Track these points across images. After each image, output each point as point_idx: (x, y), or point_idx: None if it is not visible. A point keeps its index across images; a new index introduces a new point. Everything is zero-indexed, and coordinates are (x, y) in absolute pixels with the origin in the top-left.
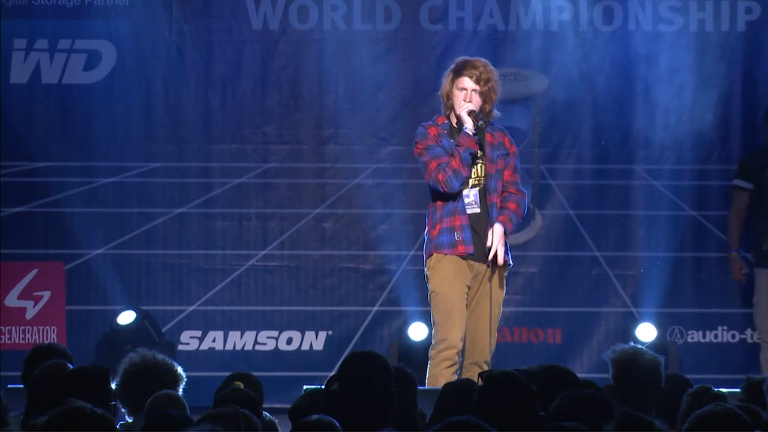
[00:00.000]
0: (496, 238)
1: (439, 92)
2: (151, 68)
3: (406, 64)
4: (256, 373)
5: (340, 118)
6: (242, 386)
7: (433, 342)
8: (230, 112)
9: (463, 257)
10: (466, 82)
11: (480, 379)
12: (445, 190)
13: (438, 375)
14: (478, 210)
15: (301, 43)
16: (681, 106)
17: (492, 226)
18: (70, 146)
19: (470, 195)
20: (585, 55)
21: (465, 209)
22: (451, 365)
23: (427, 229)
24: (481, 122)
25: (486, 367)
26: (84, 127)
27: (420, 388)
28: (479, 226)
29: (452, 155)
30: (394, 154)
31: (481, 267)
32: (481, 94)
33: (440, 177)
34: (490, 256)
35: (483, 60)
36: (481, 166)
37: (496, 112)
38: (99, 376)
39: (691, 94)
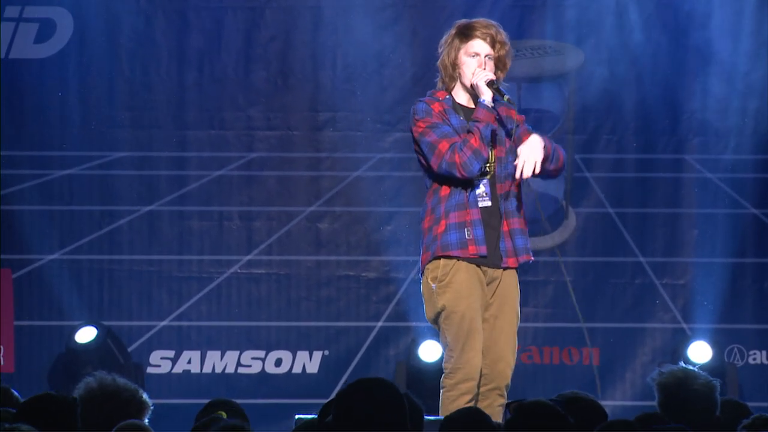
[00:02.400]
0: (528, 148)
1: (438, 63)
2: (114, 40)
3: (417, 36)
4: (239, 401)
5: (337, 100)
6: (225, 416)
7: (446, 370)
8: (208, 92)
9: (475, 262)
10: (479, 45)
11: (509, 410)
12: (463, 174)
13: None
14: (489, 203)
15: (292, 10)
16: (742, 84)
17: (504, 221)
18: (19, 132)
19: (480, 185)
20: (627, 24)
21: (477, 201)
22: (471, 400)
23: (426, 225)
24: (507, 97)
25: (506, 393)
26: (35, 110)
27: (430, 418)
28: (491, 223)
29: (469, 131)
30: (401, 142)
31: (495, 272)
32: (497, 59)
33: (457, 159)
34: (518, 172)
35: (492, 21)
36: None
37: (503, 83)
38: (64, 407)
39: (754, 68)
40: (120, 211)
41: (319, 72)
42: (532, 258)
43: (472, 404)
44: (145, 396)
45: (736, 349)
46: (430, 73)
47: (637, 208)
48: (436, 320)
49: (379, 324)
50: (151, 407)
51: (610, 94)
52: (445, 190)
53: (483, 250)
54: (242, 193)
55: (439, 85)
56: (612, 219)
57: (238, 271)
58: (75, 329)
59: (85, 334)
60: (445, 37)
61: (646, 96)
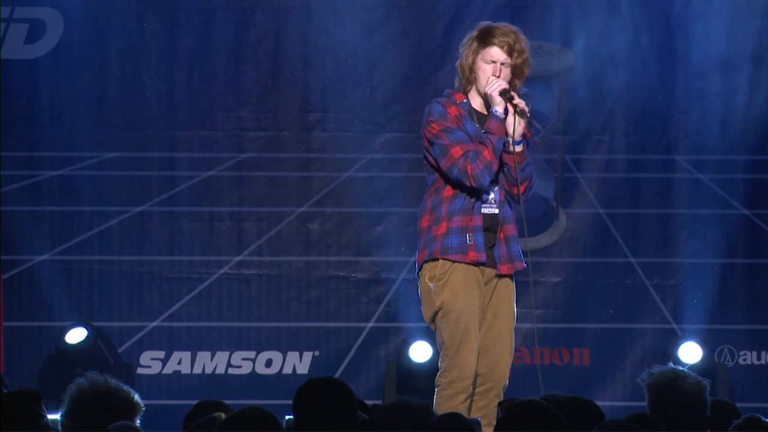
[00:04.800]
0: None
1: (456, 64)
2: (105, 41)
3: (407, 36)
4: (229, 402)
5: (328, 101)
6: (223, 416)
7: (441, 368)
8: (199, 92)
9: (474, 264)
10: (496, 52)
11: (501, 408)
12: (473, 185)
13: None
14: (496, 210)
15: (282, 11)
16: (732, 85)
17: (501, 227)
18: (9, 133)
19: (491, 192)
20: (618, 24)
21: (481, 208)
22: (466, 399)
23: (425, 223)
24: (519, 108)
25: (503, 393)
26: (26, 110)
27: None
28: (491, 228)
29: (482, 143)
30: (391, 143)
31: (492, 272)
32: (513, 67)
33: (469, 169)
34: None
35: (513, 26)
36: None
37: (522, 89)
38: (28, 400)
39: (744, 69)
40: (110, 211)
41: (309, 73)
42: (524, 265)
43: (467, 404)
44: (137, 397)
45: (726, 350)
46: (420, 74)
47: (628, 208)
48: (433, 319)
49: (370, 324)
50: (143, 408)
51: (601, 94)
52: (448, 191)
53: (483, 257)
54: (232, 193)
55: (457, 85)
56: (602, 219)
57: (229, 271)
58: (65, 330)
59: (75, 335)
60: (466, 39)
61: (637, 96)
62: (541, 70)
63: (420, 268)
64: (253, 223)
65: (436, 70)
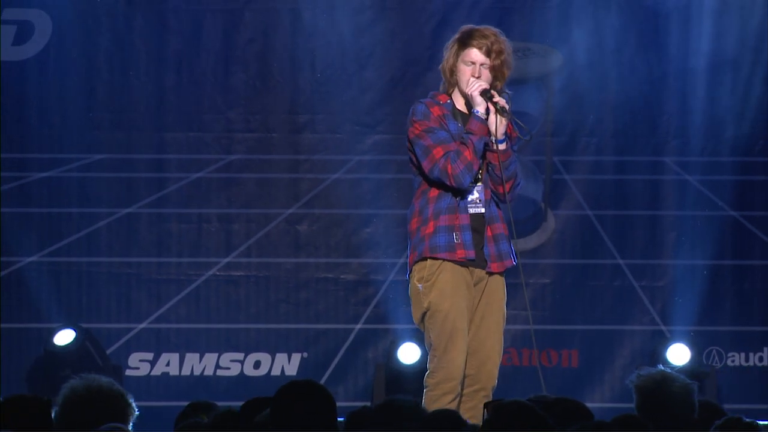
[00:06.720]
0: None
1: (440, 67)
2: (93, 42)
3: (396, 38)
4: (218, 403)
5: (316, 102)
6: (205, 419)
7: (429, 369)
8: (187, 94)
9: (462, 263)
10: (475, 54)
11: (486, 410)
12: (453, 185)
13: None
14: (482, 209)
15: (271, 12)
16: (721, 87)
17: (488, 226)
18: None
19: (475, 191)
20: (606, 26)
21: (467, 207)
22: (453, 399)
23: (414, 225)
24: (500, 106)
25: (492, 395)
26: (14, 112)
27: None
28: (478, 228)
29: (462, 143)
30: (380, 144)
31: (482, 273)
32: (492, 68)
33: (449, 170)
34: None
35: (494, 28)
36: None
37: (506, 92)
38: (38, 407)
39: (733, 70)
40: (99, 213)
41: (298, 74)
42: (514, 262)
43: (454, 404)
44: (131, 401)
45: (714, 352)
46: (409, 75)
47: (616, 210)
48: (421, 320)
49: (358, 326)
50: (137, 413)
51: (589, 96)
52: (433, 192)
53: (471, 254)
54: (221, 195)
55: (441, 88)
56: (591, 221)
57: (217, 273)
58: (53, 332)
59: (64, 337)
60: (449, 42)
61: (625, 98)
62: (530, 71)
63: (410, 270)
64: (242, 225)
65: (425, 72)
